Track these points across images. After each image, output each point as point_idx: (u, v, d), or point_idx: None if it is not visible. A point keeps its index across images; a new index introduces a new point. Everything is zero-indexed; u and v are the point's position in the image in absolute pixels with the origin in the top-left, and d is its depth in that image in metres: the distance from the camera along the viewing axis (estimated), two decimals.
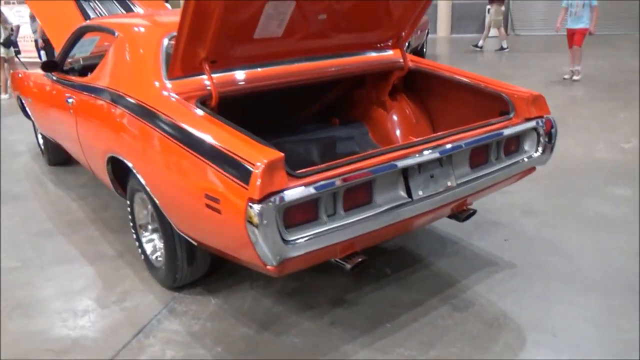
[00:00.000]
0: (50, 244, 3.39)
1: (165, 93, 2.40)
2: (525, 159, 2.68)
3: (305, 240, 1.89)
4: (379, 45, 3.06)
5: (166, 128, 2.20)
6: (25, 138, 6.06)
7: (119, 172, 2.91)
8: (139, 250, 2.96)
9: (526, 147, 2.72)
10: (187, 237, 2.43)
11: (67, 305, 2.70)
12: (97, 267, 3.08)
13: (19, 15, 12.16)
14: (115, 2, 5.42)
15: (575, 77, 8.10)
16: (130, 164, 2.53)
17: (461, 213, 2.62)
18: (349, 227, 2.01)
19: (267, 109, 3.17)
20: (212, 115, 2.17)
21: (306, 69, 2.84)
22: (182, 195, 2.15)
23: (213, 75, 2.42)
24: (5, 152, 5.53)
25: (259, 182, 1.75)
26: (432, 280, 2.80)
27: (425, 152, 2.20)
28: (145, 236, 2.91)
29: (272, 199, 1.77)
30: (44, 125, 4.31)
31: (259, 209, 1.74)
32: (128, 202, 2.90)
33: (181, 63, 2.35)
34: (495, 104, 2.85)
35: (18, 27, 10.61)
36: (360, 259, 2.14)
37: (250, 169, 1.78)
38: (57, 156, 4.83)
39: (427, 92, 3.32)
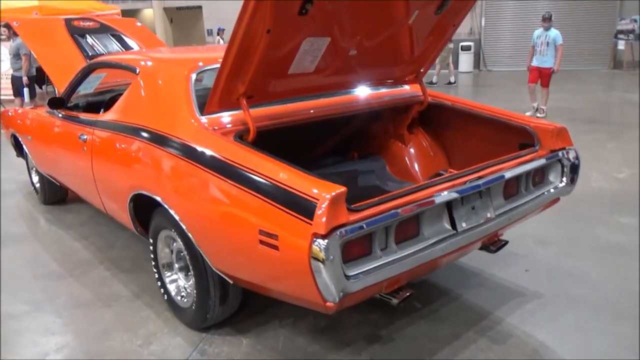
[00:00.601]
0: (61, 287, 3.25)
1: (203, 129, 2.37)
2: (552, 190, 2.73)
3: (364, 275, 1.87)
4: (400, 80, 3.11)
5: (210, 164, 2.16)
6: (12, 177, 5.89)
7: (139, 210, 2.85)
8: (161, 290, 2.86)
9: (551, 179, 2.78)
10: (222, 275, 2.37)
11: (90, 350, 2.58)
12: (114, 309, 2.96)
13: None
14: (111, 37, 5.42)
15: (539, 115, 7.97)
16: (161, 201, 2.47)
17: (493, 244, 2.63)
18: (402, 261, 2.00)
19: (287, 143, 3.16)
20: (258, 150, 2.15)
21: (334, 104, 2.87)
22: (227, 232, 2.10)
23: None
24: None
25: (324, 217, 1.72)
26: (464, 312, 2.79)
27: (470, 184, 2.22)
28: (168, 276, 2.83)
29: (336, 233, 1.75)
30: (45, 163, 4.20)
31: (325, 244, 1.71)
32: (150, 241, 2.82)
33: (220, 98, 2.34)
34: (513, 137, 2.92)
35: None
36: (408, 293, 2.12)
37: (314, 203, 1.76)
38: (53, 195, 4.69)
39: (443, 125, 3.38)
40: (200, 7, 18.89)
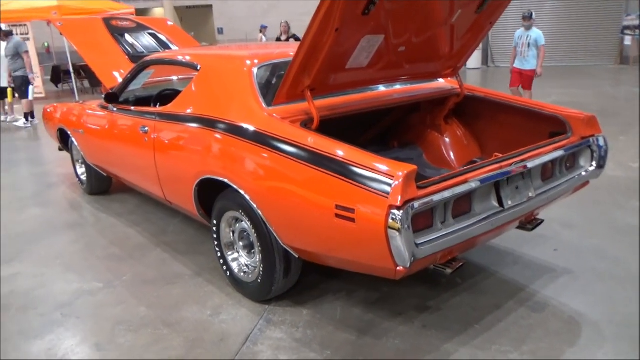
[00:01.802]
0: (125, 267, 3.52)
1: (273, 118, 2.63)
2: (583, 173, 2.99)
3: (429, 244, 2.14)
4: (439, 74, 3.37)
5: (286, 148, 2.43)
6: (51, 170, 6.17)
7: (202, 195, 3.12)
8: (223, 267, 3.13)
9: (582, 163, 3.04)
10: (290, 250, 2.63)
11: (167, 319, 2.85)
12: (180, 285, 3.23)
13: None
14: (147, 35, 5.69)
15: None
16: (232, 184, 2.73)
17: (530, 223, 2.89)
18: (459, 233, 2.26)
19: (336, 131, 3.43)
20: (326, 137, 2.41)
21: (381, 96, 3.15)
22: (302, 209, 2.36)
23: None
24: (39, 184, 5.62)
25: (399, 191, 1.99)
26: (502, 285, 3.05)
27: (515, 165, 2.49)
28: (230, 254, 3.10)
29: (409, 205, 2.01)
30: (97, 155, 4.47)
31: (400, 214, 1.98)
32: (214, 222, 3.09)
33: (288, 90, 2.60)
34: (544, 125, 3.19)
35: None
36: (461, 264, 2.39)
37: (390, 180, 2.02)
38: (99, 186, 4.97)
39: (476, 115, 3.64)
40: (210, 6, 19.15)
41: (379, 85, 3.23)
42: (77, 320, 2.90)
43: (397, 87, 3.32)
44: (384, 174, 2.06)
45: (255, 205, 2.64)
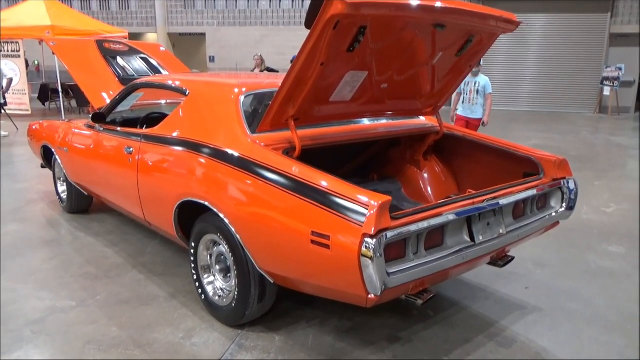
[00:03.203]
0: (99, 286, 3.51)
1: (256, 145, 2.71)
2: (553, 214, 3.09)
3: (401, 273, 2.20)
4: (419, 112, 3.49)
5: (268, 175, 2.49)
6: (32, 187, 6.14)
7: (181, 218, 3.16)
8: (199, 290, 3.14)
9: (552, 204, 3.15)
10: (265, 274, 2.67)
11: (138, 340, 2.84)
12: (154, 307, 3.22)
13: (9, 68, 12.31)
14: (138, 58, 5.79)
15: None
16: (212, 207, 2.78)
17: (502, 259, 2.97)
18: (430, 264, 2.33)
19: (317, 162, 3.52)
20: (307, 165, 2.49)
21: (362, 129, 3.25)
22: (279, 234, 2.42)
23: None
24: (18, 199, 5.59)
25: (374, 220, 2.06)
26: (473, 320, 3.10)
27: (488, 202, 2.58)
28: (206, 278, 3.12)
29: (382, 234, 2.08)
30: (79, 173, 4.48)
31: (374, 243, 2.04)
32: (192, 245, 3.11)
33: (272, 119, 2.69)
34: (518, 166, 3.30)
35: (11, 80, 10.76)
36: (432, 295, 2.44)
37: (365, 209, 2.09)
38: (79, 205, 4.97)
39: (454, 153, 3.75)
40: (203, 34, 19.45)
41: (363, 120, 3.34)
42: (46, 337, 2.88)
43: (379, 121, 3.44)
44: (360, 204, 2.13)
45: (233, 229, 2.69)
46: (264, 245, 2.57)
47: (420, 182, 3.74)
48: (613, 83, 14.35)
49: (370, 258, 2.04)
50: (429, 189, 3.72)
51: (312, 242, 2.24)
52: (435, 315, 3.15)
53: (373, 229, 2.06)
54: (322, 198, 2.25)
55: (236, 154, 2.71)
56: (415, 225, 2.24)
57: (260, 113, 3.09)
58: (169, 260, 3.93)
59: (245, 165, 2.62)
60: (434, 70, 3.17)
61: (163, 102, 4.85)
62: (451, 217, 2.40)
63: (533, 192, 2.91)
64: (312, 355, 2.74)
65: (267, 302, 2.88)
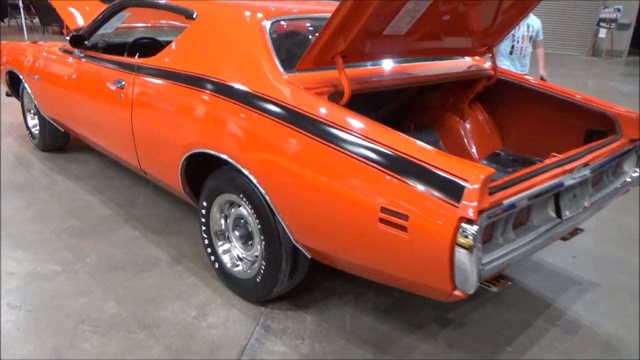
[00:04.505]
0: (87, 245, 2.97)
1: (298, 88, 2.13)
2: (628, 179, 2.66)
3: (494, 263, 1.74)
4: (474, 51, 2.93)
5: (315, 129, 1.94)
6: None
7: (190, 170, 2.61)
8: (211, 258, 2.64)
9: (625, 168, 2.71)
10: (302, 248, 2.19)
11: (143, 319, 2.36)
12: (155, 274, 2.72)
13: None
14: None
15: None
16: (234, 162, 2.24)
17: (571, 233, 2.55)
18: (520, 249, 1.88)
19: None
20: (370, 119, 1.95)
21: (410, 71, 2.69)
22: (331, 206, 1.90)
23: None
24: None
25: (475, 200, 1.56)
26: (526, 298, 2.72)
27: (579, 171, 2.11)
28: (220, 245, 2.61)
29: (482, 217, 1.60)
30: (55, 107, 3.81)
31: (474, 230, 1.56)
32: (204, 204, 2.58)
33: (317, 55, 2.10)
34: (582, 121, 2.84)
35: None
36: (509, 282, 2.01)
37: (463, 184, 1.59)
38: (54, 142, 4.33)
39: (500, 101, 3.24)
40: None
41: (411, 60, 2.79)
42: (28, 314, 2.37)
43: (429, 62, 2.88)
44: (456, 177, 1.62)
45: (263, 191, 2.16)
46: (307, 217, 2.05)
47: (463, 134, 3.24)
48: (610, 25, 13.82)
49: (469, 248, 1.57)
50: (472, 143, 3.23)
51: (382, 220, 1.74)
52: (483, 291, 2.75)
53: (472, 211, 1.57)
54: (398, 165, 1.73)
55: (269, 99, 2.13)
56: (515, 200, 1.76)
57: (292, 46, 2.50)
58: (167, 214, 3.40)
59: (284, 114, 2.06)
60: (501, 2, 2.59)
61: (154, 25, 4.12)
62: (557, 189, 1.93)
63: (616, 155, 2.45)
64: (352, 340, 2.31)
65: (297, 278, 2.41)
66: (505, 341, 2.37)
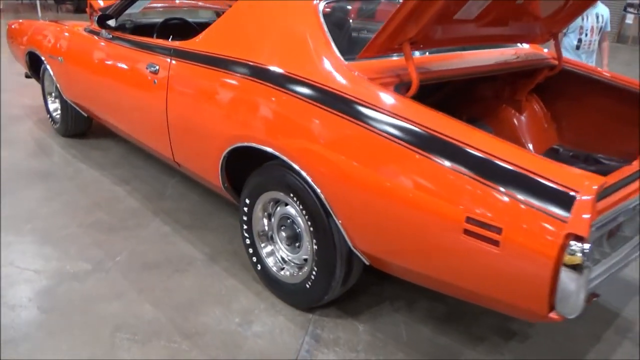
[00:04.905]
0: (117, 241, 2.79)
1: (357, 77, 1.92)
2: None
3: (596, 282, 1.54)
4: (539, 38, 2.69)
5: (385, 125, 1.73)
6: (14, 99, 5.21)
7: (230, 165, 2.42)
8: (253, 259, 2.46)
9: None
10: (361, 255, 1.99)
11: (183, 326, 2.18)
12: (192, 275, 2.54)
13: None
14: None
15: None
16: (285, 157, 2.03)
17: None
18: (619, 264, 1.67)
19: None
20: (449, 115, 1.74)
21: (474, 59, 2.47)
22: (406, 213, 1.70)
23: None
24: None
25: (587, 213, 1.36)
26: (591, 307, 2.52)
27: None
28: (264, 247, 2.42)
29: (592, 233, 1.39)
30: (79, 91, 3.61)
31: (586, 248, 1.35)
32: (247, 202, 2.39)
33: (385, 41, 1.88)
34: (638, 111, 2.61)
35: None
36: (598, 296, 1.81)
37: (574, 195, 1.38)
38: (76, 127, 4.14)
39: (557, 92, 3.00)
40: None
41: (475, 47, 2.57)
42: (60, 319, 2.19)
43: (490, 50, 2.65)
44: (561, 185, 1.41)
45: (319, 191, 1.96)
46: (371, 221, 1.85)
47: (518, 128, 3.00)
48: (638, 10, 13.39)
49: (578, 268, 1.36)
50: (528, 137, 3.00)
51: (467, 231, 1.54)
52: None
53: (583, 226, 1.36)
54: (491, 171, 1.52)
55: (333, 93, 1.91)
56: (622, 209, 1.56)
57: (345, 30, 2.28)
58: (197, 207, 3.21)
59: (350, 109, 1.84)
60: None
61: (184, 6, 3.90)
62: None
63: None
64: (411, 354, 2.13)
65: (349, 284, 2.22)
66: (576, 355, 2.18)
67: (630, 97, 2.64)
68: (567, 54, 3.94)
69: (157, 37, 3.16)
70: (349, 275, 2.14)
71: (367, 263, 2.04)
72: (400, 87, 1.97)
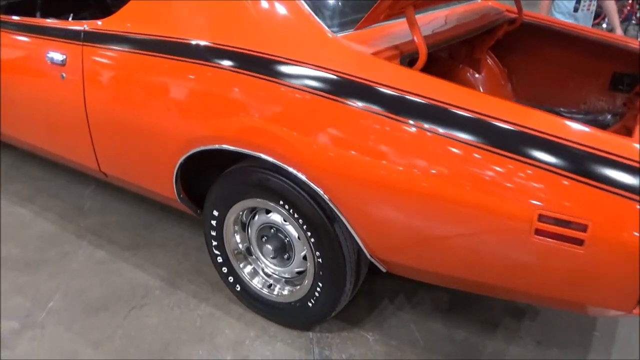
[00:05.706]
0: (42, 280, 2.22)
1: (364, 54, 1.57)
2: None
3: None
4: None
5: (422, 114, 1.42)
6: None
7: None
8: (229, 279, 2.06)
9: None
10: (378, 263, 1.70)
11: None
12: (153, 309, 2.08)
13: None
14: None
15: None
16: (279, 163, 1.65)
17: None
18: None
19: None
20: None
21: (440, 21, 2.23)
22: (444, 213, 1.42)
23: None
24: None
25: None
26: None
27: None
28: (243, 267, 2.03)
29: None
30: None
31: None
32: (215, 214, 1.96)
33: (390, 5, 1.53)
34: (606, 64, 2.57)
35: None
36: None
37: None
38: None
39: (512, 46, 2.87)
40: None
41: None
42: None
43: (441, 10, 2.39)
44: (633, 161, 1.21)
45: (321, 192, 1.60)
46: (400, 227, 1.54)
47: (476, 88, 2.83)
48: None
49: None
50: None
51: (539, 231, 1.30)
52: None
53: None
54: (562, 156, 1.28)
55: (334, 75, 1.54)
56: None
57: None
58: (131, 220, 2.68)
59: (349, 89, 1.49)
60: None
61: None
62: None
63: None
64: (433, 358, 1.91)
65: (354, 293, 1.93)
66: (589, 326, 2.10)
67: (592, 47, 2.56)
68: (563, 19, 3.66)
69: (42, 17, 2.51)
70: (357, 284, 1.85)
71: (384, 270, 1.76)
72: (406, 59, 1.66)
